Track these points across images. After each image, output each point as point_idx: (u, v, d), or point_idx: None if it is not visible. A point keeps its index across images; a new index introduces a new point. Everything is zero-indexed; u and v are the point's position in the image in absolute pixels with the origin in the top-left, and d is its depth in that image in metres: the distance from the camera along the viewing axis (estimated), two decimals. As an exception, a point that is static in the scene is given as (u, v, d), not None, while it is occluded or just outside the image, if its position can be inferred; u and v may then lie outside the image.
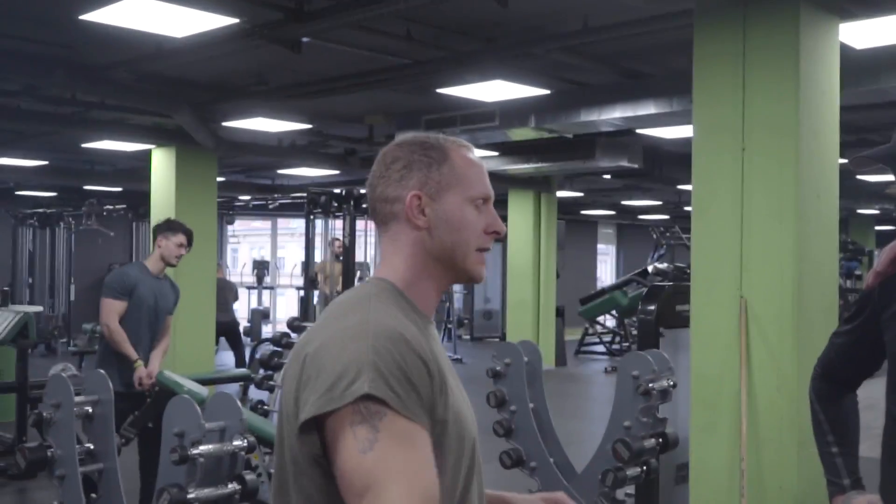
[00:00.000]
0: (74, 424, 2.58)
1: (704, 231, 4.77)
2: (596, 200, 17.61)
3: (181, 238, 5.10)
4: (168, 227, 5.16)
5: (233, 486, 2.30)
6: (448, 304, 15.91)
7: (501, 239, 16.41)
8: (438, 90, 6.91)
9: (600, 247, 24.52)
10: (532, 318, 13.38)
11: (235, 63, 7.13)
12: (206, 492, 2.22)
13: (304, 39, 5.81)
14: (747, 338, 4.53)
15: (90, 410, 2.63)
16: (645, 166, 10.28)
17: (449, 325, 15.62)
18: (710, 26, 4.71)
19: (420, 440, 1.25)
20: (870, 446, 2.03)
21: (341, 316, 1.37)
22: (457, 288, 17.78)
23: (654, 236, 15.51)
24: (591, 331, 15.12)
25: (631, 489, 4.81)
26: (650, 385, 3.44)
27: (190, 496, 2.15)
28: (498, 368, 3.80)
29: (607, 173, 12.43)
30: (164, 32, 5.19)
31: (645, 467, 3.58)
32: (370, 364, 1.25)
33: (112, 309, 4.82)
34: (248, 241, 22.81)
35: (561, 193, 14.41)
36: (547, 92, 7.12)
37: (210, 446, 2.20)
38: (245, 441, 2.25)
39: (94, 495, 2.63)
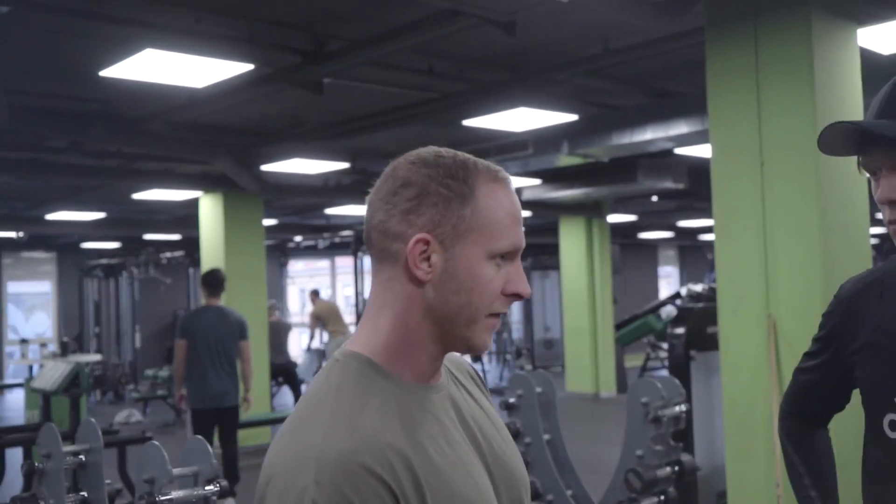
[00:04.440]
0: (64, 474, 2.61)
1: (728, 250, 4.65)
2: (653, 223, 17.39)
3: None
4: None
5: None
6: (505, 334, 15.81)
7: (553, 266, 16.02)
8: (465, 122, 6.92)
9: (664, 269, 24.15)
10: (590, 345, 13.21)
11: (269, 107, 7.26)
12: (180, 537, 2.23)
13: (326, 80, 5.90)
14: (777, 358, 4.39)
15: (83, 459, 2.67)
16: (691, 186, 10.11)
17: (507, 356, 15.51)
18: (721, 42, 4.63)
19: None
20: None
21: (297, 425, 1.14)
22: (515, 318, 17.69)
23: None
24: (652, 355, 14.86)
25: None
26: (659, 413, 3.34)
27: (161, 542, 2.16)
28: (511, 401, 3.74)
29: (653, 195, 12.27)
30: (184, 84, 5.31)
31: (663, 497, 3.47)
32: None
33: None
34: (314, 281, 23.07)
35: (614, 218, 14.27)
36: (576, 117, 7.08)
37: (181, 492, 2.21)
38: (218, 486, 2.25)
39: (88, 543, 2.66)
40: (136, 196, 10.70)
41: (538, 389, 3.72)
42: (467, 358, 1.44)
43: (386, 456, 1.09)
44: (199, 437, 2.27)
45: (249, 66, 5.13)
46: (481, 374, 9.26)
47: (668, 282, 24.14)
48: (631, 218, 15.54)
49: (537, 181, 10.65)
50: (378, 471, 1.07)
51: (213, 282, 6.49)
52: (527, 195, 11.10)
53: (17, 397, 14.82)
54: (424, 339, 1.20)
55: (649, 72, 6.60)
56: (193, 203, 10.66)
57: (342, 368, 1.19)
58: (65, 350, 10.21)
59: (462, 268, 1.17)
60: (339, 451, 1.07)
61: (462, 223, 1.17)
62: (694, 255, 23.43)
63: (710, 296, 5.56)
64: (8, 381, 16.19)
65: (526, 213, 13.02)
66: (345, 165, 9.18)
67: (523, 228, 1.24)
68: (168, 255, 14.35)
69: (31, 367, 14.96)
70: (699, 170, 10.44)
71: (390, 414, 1.15)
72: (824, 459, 2.04)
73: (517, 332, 17.61)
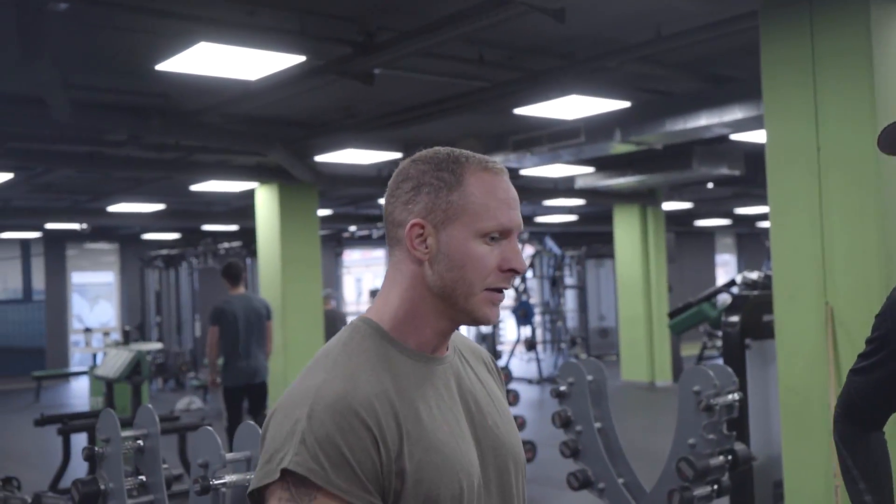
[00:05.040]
0: (122, 458, 2.69)
1: (783, 237, 4.58)
2: (709, 210, 17.14)
3: None
4: None
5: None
6: (560, 323, 15.75)
7: (608, 255, 15.93)
8: (516, 110, 6.90)
9: (721, 257, 23.82)
10: (645, 334, 13.12)
11: (322, 98, 7.33)
12: (233, 521, 2.28)
13: (377, 71, 5.93)
14: (835, 346, 4.32)
15: (141, 444, 2.74)
16: (748, 173, 9.94)
17: (561, 345, 15.45)
18: (775, 27, 4.55)
19: None
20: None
21: (307, 371, 1.31)
22: (570, 306, 17.61)
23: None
24: (709, 344, 14.68)
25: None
26: (712, 401, 3.32)
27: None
28: (561, 388, 3.74)
29: (708, 182, 12.10)
30: (238, 76, 5.39)
31: (716, 486, 3.44)
32: (300, 435, 1.19)
33: None
34: (370, 271, 23.25)
35: (669, 205, 14.12)
36: (628, 104, 7.01)
37: (234, 476, 2.26)
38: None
39: (147, 525, 2.73)
40: (194, 188, 10.89)
41: (589, 377, 3.72)
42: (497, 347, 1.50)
43: (372, 403, 1.24)
44: (252, 423, 2.32)
45: (301, 58, 5.18)
46: (536, 362, 9.24)
47: (726, 270, 23.82)
48: (687, 205, 15.35)
49: (590, 169, 10.58)
50: (363, 414, 1.22)
51: (234, 273, 7.21)
52: (580, 183, 11.04)
53: (82, 385, 15.22)
54: (429, 314, 1.35)
55: (702, 57, 6.51)
56: (250, 194, 10.82)
57: (353, 329, 1.36)
58: (127, 339, 10.45)
59: (454, 247, 1.31)
60: (332, 393, 1.23)
61: (451, 208, 1.32)
62: (752, 242, 23.07)
63: (765, 283, 5.47)
64: (74, 368, 16.63)
65: (579, 202, 12.95)
66: (398, 155, 9.22)
67: (518, 212, 1.36)
68: (226, 245, 14.58)
69: (94, 356, 15.35)
70: (756, 156, 10.26)
71: (387, 371, 1.30)
72: (880, 464, 2.01)
73: (572, 320, 17.53)
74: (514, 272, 1.35)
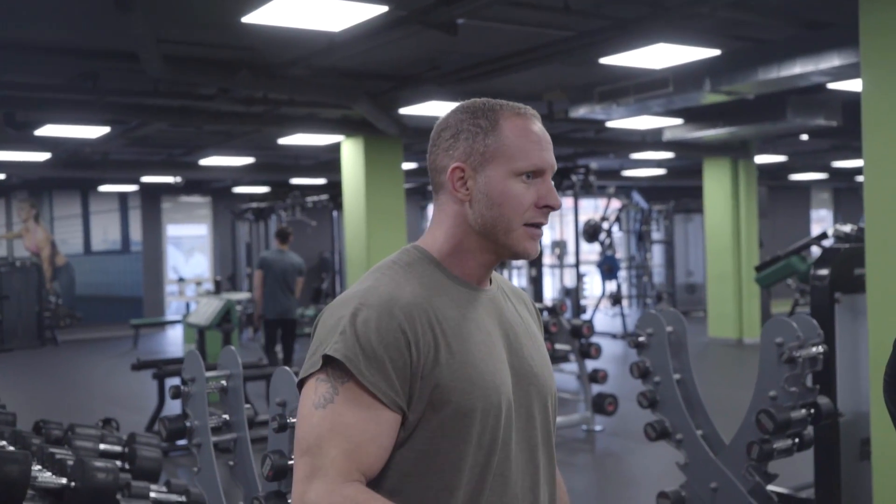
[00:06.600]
0: (206, 397, 2.79)
1: (878, 188, 4.42)
2: (805, 164, 16.58)
3: None
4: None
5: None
6: (646, 278, 15.54)
7: (697, 209, 15.62)
8: (602, 60, 6.77)
9: (817, 213, 23.08)
10: (734, 290, 12.87)
11: (406, 50, 7.32)
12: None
13: (460, 21, 5.89)
14: (930, 301, 4.16)
15: (225, 384, 2.84)
16: (846, 124, 9.56)
17: (647, 301, 15.26)
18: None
19: (374, 412, 1.30)
20: None
21: (358, 281, 1.46)
22: (657, 261, 17.36)
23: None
24: (801, 301, 14.29)
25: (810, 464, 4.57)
26: (795, 353, 3.24)
27: (291, 462, 2.29)
28: (640, 339, 3.71)
29: (803, 133, 11.68)
30: (322, 28, 5.42)
31: (797, 439, 3.38)
32: (342, 329, 1.33)
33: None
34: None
35: (762, 159, 13.71)
36: (718, 52, 6.80)
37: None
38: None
39: (230, 462, 2.84)
40: (282, 141, 11.06)
41: (669, 328, 3.68)
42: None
43: (412, 311, 1.35)
44: (287, 368, 2.39)
45: (384, 8, 5.18)
46: (621, 317, 9.25)
47: (823, 226, 23.07)
48: (781, 158, 14.87)
49: (679, 121, 10.33)
50: (400, 318, 1.34)
51: (284, 234, 9.31)
52: (668, 135, 10.80)
53: (177, 333, 15.77)
54: (473, 248, 1.46)
55: (797, 1, 6.26)
56: (336, 147, 10.93)
57: (405, 252, 1.49)
58: (218, 288, 10.77)
59: (492, 187, 1.42)
60: (377, 295, 1.36)
61: (488, 150, 1.43)
62: (851, 197, 22.26)
63: (858, 236, 5.30)
64: (169, 317, 17.24)
65: (668, 155, 12.69)
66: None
67: (550, 153, 1.46)
68: (313, 198, 14.81)
69: (187, 304, 15.82)
70: (855, 106, 9.84)
71: (432, 289, 1.41)
72: None
73: (658, 276, 17.29)
74: (550, 208, 1.45)
